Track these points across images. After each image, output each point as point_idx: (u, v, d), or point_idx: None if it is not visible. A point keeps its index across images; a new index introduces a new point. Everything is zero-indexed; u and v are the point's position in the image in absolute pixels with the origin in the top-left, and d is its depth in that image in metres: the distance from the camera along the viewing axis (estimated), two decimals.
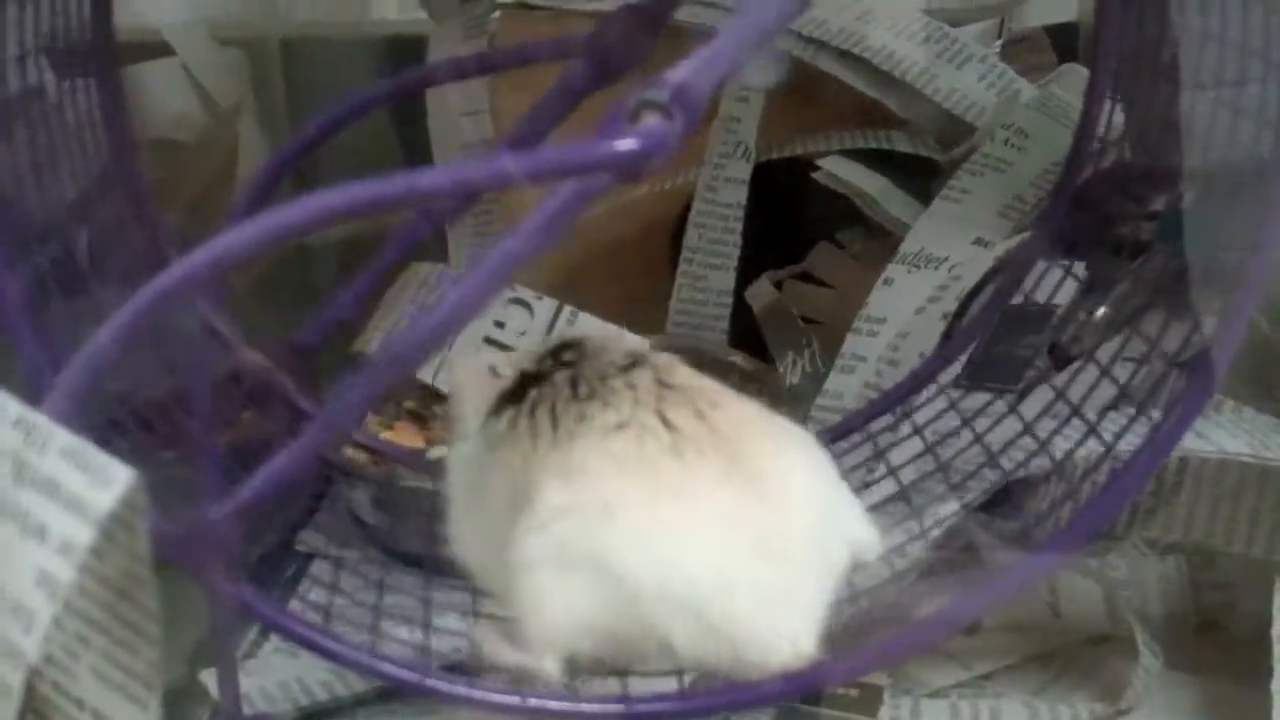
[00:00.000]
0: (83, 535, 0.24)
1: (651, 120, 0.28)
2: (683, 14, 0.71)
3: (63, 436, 0.24)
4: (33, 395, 0.27)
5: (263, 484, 0.33)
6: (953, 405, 0.56)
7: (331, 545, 0.59)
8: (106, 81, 0.51)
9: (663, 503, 0.37)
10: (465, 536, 0.43)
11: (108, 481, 0.24)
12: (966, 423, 0.54)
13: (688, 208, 0.70)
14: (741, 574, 0.37)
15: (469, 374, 0.45)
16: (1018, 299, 0.57)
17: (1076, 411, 0.51)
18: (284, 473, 0.34)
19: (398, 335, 0.31)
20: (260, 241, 0.27)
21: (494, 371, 0.43)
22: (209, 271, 0.27)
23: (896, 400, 0.58)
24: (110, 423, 0.46)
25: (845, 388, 0.60)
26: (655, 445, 0.38)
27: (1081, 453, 0.48)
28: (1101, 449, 0.47)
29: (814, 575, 0.38)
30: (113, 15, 0.50)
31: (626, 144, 0.27)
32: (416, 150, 0.76)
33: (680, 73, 0.29)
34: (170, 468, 0.51)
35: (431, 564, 0.54)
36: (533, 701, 0.42)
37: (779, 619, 0.38)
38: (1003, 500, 0.51)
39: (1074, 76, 0.70)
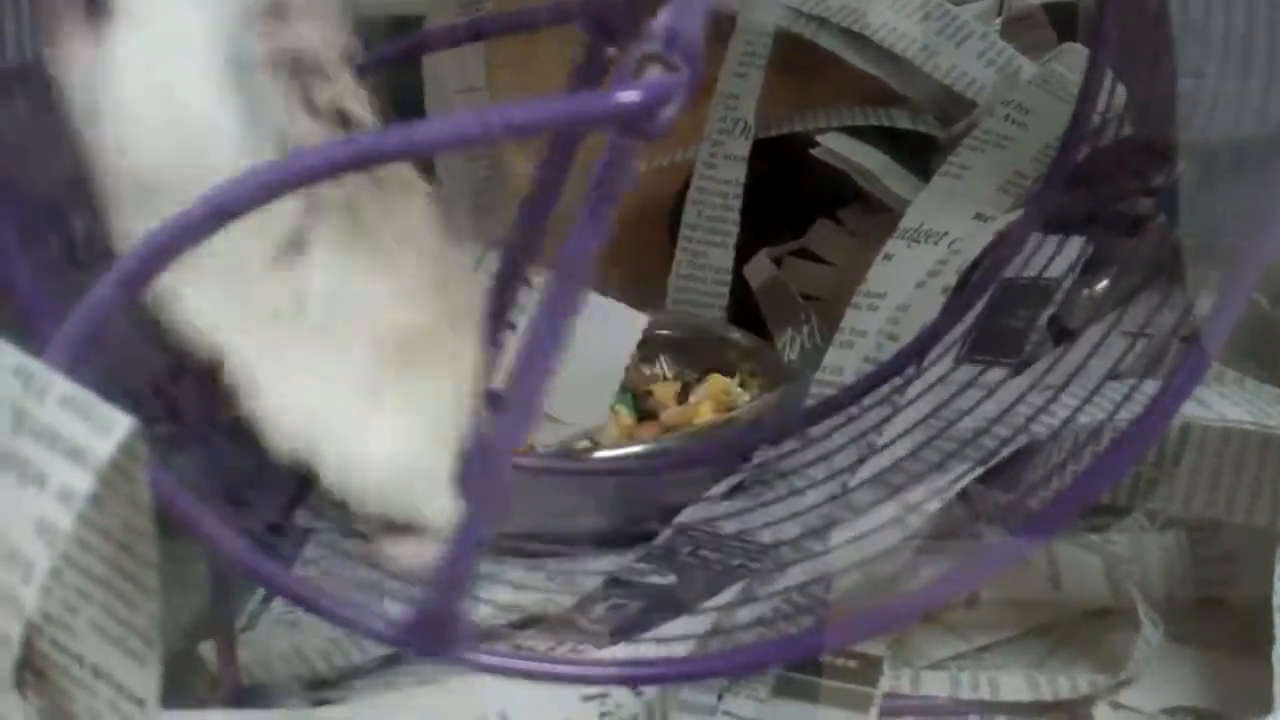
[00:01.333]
0: (82, 483, 0.24)
1: (654, 72, 0.28)
2: None
3: (62, 384, 0.24)
4: None
5: None
6: (947, 377, 0.56)
7: (329, 520, 0.59)
8: None
9: None
10: None
11: (108, 429, 0.24)
12: (962, 394, 0.54)
13: (686, 185, 0.70)
14: None
15: None
16: (1017, 273, 0.57)
17: (1064, 387, 0.51)
18: None
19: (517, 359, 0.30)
20: (259, 191, 0.27)
21: None
22: (208, 222, 0.27)
23: (893, 373, 0.58)
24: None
25: (845, 362, 0.60)
26: None
27: (1080, 422, 0.48)
28: (1098, 419, 0.47)
29: None
30: None
31: (630, 95, 0.27)
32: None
33: (666, 18, 0.29)
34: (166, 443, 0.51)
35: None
36: (535, 665, 0.42)
37: None
38: (998, 472, 0.51)
39: (1074, 54, 0.70)
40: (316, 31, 0.36)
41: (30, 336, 0.37)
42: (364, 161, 0.26)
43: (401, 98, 0.76)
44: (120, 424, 0.24)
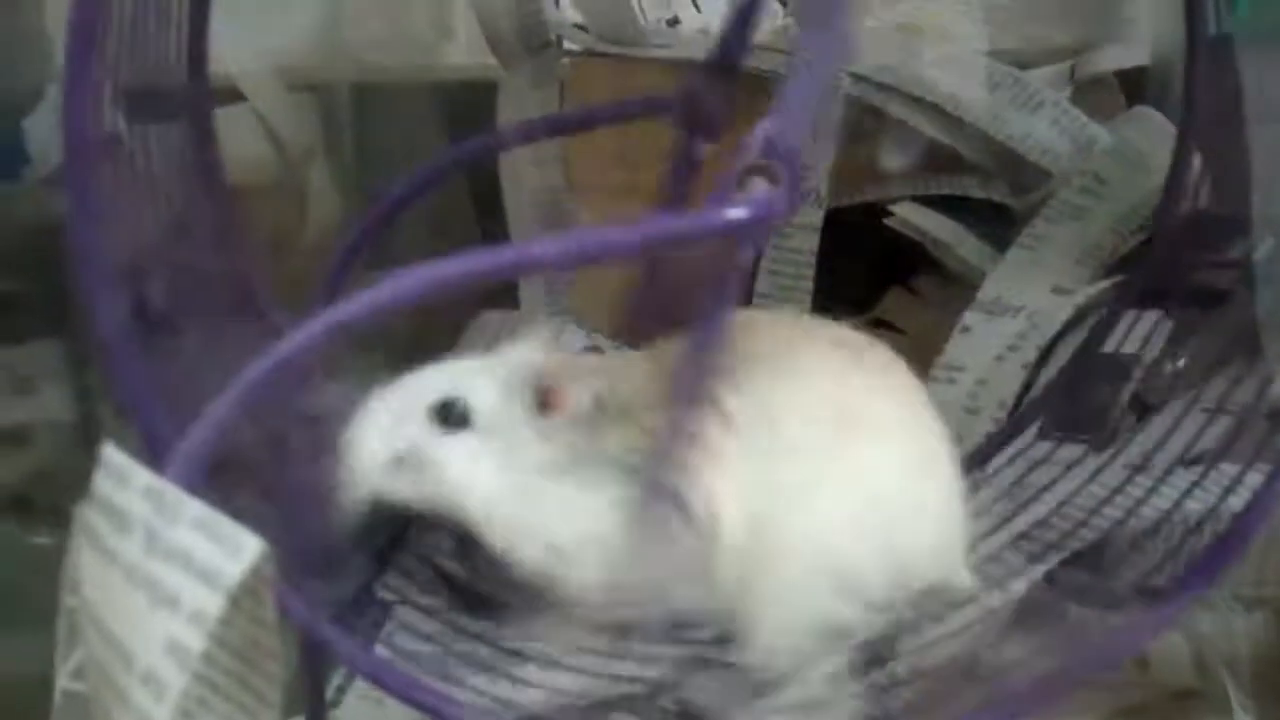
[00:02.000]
0: (214, 605, 0.24)
1: (759, 185, 0.29)
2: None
3: (193, 507, 0.25)
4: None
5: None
6: (1027, 453, 0.56)
7: (412, 592, 0.60)
8: (198, 126, 0.52)
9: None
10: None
11: (238, 550, 0.24)
12: (1043, 470, 0.54)
13: (760, 253, 0.71)
14: None
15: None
16: (1097, 348, 0.57)
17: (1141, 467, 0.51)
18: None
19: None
20: (378, 310, 0.27)
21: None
22: (326, 340, 0.27)
23: (975, 447, 0.58)
24: None
25: None
26: None
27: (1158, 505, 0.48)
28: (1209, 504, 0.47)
29: None
30: (208, 61, 0.51)
31: (738, 213, 0.28)
32: (485, 191, 0.76)
33: (768, 128, 0.30)
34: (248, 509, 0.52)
35: (513, 611, 0.55)
36: None
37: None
38: (1083, 551, 0.51)
39: (1146, 119, 0.71)
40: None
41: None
42: (484, 276, 0.27)
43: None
44: (250, 546, 0.24)
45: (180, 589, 0.25)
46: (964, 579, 0.44)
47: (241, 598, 0.25)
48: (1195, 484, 0.48)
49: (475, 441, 0.44)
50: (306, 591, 0.46)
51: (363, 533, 0.53)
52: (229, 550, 0.24)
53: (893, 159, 0.74)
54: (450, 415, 0.44)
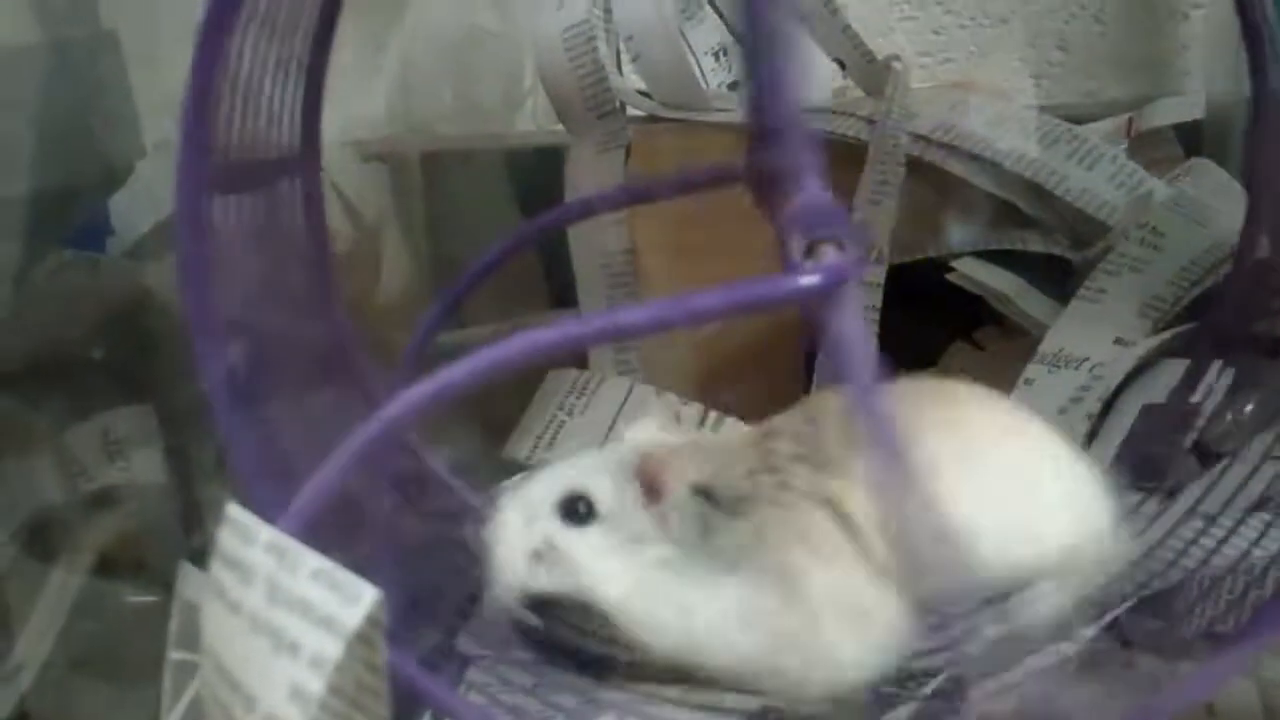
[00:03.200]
0: (333, 650, 0.26)
1: (829, 253, 0.30)
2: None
3: (312, 559, 0.27)
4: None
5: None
6: None
7: (490, 647, 0.61)
8: (308, 193, 0.54)
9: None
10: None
11: (355, 598, 0.26)
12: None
13: None
14: None
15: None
16: (1160, 398, 0.58)
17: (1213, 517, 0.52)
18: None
19: None
20: (477, 376, 0.29)
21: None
22: (429, 405, 0.29)
23: None
24: None
25: None
26: None
27: (1227, 554, 0.49)
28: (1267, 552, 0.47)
29: None
30: (320, 133, 0.53)
31: (810, 280, 0.29)
32: (553, 250, 0.78)
33: (815, 196, 0.31)
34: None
35: (592, 665, 0.56)
36: None
37: None
38: (1150, 599, 0.52)
39: (1203, 172, 0.72)
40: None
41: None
42: (573, 344, 0.29)
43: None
44: (366, 594, 0.26)
45: (301, 636, 0.26)
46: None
47: (355, 644, 0.27)
48: (1264, 532, 0.49)
49: (601, 534, 0.46)
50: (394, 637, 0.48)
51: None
52: (346, 598, 0.26)
53: (960, 223, 0.75)
54: (576, 510, 0.46)
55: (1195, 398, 0.57)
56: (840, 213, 0.32)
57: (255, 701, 0.27)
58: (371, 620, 0.26)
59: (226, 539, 0.28)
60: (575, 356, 0.75)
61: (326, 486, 0.29)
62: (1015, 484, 0.46)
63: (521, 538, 0.46)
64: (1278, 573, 0.46)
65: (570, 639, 0.58)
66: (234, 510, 0.28)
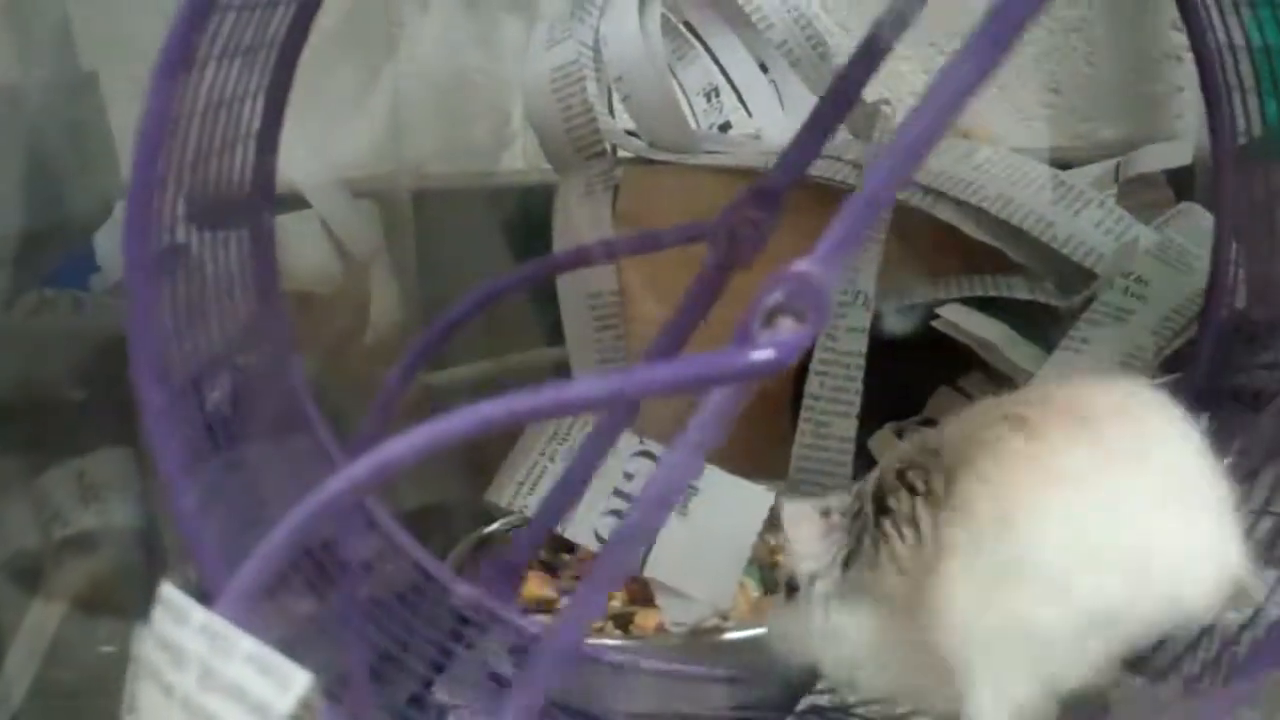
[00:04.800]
0: None
1: (786, 325, 0.30)
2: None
3: (246, 643, 0.26)
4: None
5: None
6: None
7: (466, 697, 0.61)
8: (259, 235, 0.53)
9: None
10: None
11: (287, 684, 0.26)
12: None
13: (809, 355, 0.72)
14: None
15: (803, 521, 0.48)
16: None
17: None
18: None
19: (623, 530, 0.33)
20: (423, 450, 0.29)
21: (825, 514, 0.48)
22: (372, 481, 0.29)
23: None
24: None
25: None
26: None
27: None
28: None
29: None
30: (274, 175, 0.53)
31: (764, 355, 0.29)
32: (541, 290, 0.78)
33: (804, 266, 0.31)
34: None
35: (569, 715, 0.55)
36: None
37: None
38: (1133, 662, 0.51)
39: (1191, 216, 0.71)
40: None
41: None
42: (524, 417, 0.28)
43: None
44: (299, 680, 0.26)
45: None
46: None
47: None
48: None
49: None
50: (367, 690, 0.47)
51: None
52: (279, 683, 0.26)
53: (945, 269, 0.75)
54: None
55: None
56: (814, 286, 0.31)
57: None
58: (306, 705, 0.26)
59: (161, 620, 0.28)
60: None
61: (264, 565, 0.29)
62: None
63: None
64: (1253, 634, 0.45)
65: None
66: (167, 590, 0.28)
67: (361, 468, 0.29)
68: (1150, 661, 0.50)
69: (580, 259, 0.62)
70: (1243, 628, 0.47)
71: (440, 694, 0.61)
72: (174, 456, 0.38)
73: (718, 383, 0.29)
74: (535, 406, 0.29)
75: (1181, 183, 0.79)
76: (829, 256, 0.31)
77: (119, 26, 0.70)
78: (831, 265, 0.31)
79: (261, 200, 0.55)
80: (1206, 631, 0.48)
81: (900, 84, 0.91)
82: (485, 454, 0.70)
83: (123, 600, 0.64)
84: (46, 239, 0.71)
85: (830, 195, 0.72)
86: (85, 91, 0.72)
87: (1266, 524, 0.52)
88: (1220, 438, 0.56)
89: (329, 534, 0.47)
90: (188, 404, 0.49)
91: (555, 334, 0.78)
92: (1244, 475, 0.54)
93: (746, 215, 0.46)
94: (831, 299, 0.30)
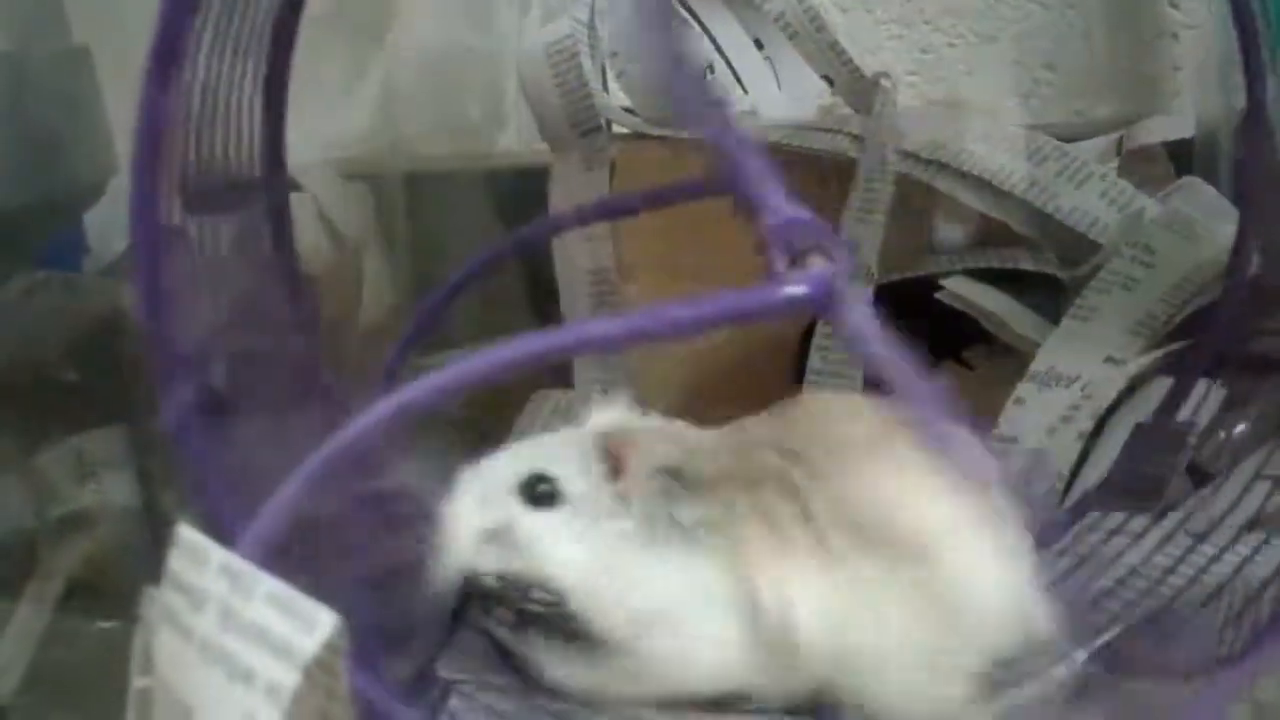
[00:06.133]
0: (289, 679, 0.25)
1: (817, 262, 0.29)
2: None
3: (268, 583, 0.25)
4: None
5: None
6: (1088, 526, 0.56)
7: (472, 671, 0.60)
8: (276, 216, 0.53)
9: None
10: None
11: (312, 625, 0.25)
12: (1106, 542, 0.53)
13: (811, 327, 0.71)
14: None
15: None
16: (1153, 417, 0.57)
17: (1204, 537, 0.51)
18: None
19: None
20: (443, 392, 0.28)
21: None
22: (392, 422, 0.28)
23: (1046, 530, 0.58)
24: None
25: None
26: None
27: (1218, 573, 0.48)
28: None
29: None
30: (285, 153, 0.52)
31: (797, 289, 0.28)
32: (539, 271, 0.77)
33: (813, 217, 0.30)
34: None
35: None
36: None
37: None
38: (1145, 627, 0.51)
39: (1194, 190, 0.71)
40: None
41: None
42: (544, 358, 0.28)
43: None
44: (324, 621, 0.25)
45: (256, 664, 0.25)
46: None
47: (315, 672, 0.25)
48: (1257, 550, 0.48)
49: (562, 516, 0.45)
50: (372, 669, 0.47)
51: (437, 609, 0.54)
52: (303, 625, 0.25)
53: (946, 235, 0.74)
54: (537, 491, 0.45)
55: (1188, 416, 0.56)
56: (820, 225, 0.30)
57: None
58: (331, 647, 0.25)
59: (177, 561, 0.27)
60: (559, 376, 0.74)
61: (284, 509, 0.28)
62: None
63: (475, 517, 0.45)
64: (1274, 594, 0.45)
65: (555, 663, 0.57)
66: (185, 531, 0.27)
67: (382, 409, 0.28)
68: (1163, 627, 0.50)
69: (591, 215, 0.62)
70: (1262, 589, 0.47)
71: (444, 669, 0.60)
72: (179, 406, 0.37)
73: (753, 318, 0.28)
74: (557, 345, 0.28)
75: (1180, 158, 0.79)
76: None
77: (111, 1, 0.69)
78: None
79: (276, 181, 0.54)
80: (1224, 591, 0.48)
81: (895, 61, 0.91)
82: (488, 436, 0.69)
83: (118, 576, 0.63)
84: (38, 217, 0.70)
85: (831, 169, 0.72)
86: (78, 67, 0.71)
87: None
88: (1234, 403, 0.56)
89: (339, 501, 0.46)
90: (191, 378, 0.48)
91: (549, 321, 0.77)
92: (1258, 440, 0.54)
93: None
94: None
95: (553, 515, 0.45)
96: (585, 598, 0.45)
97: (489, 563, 0.46)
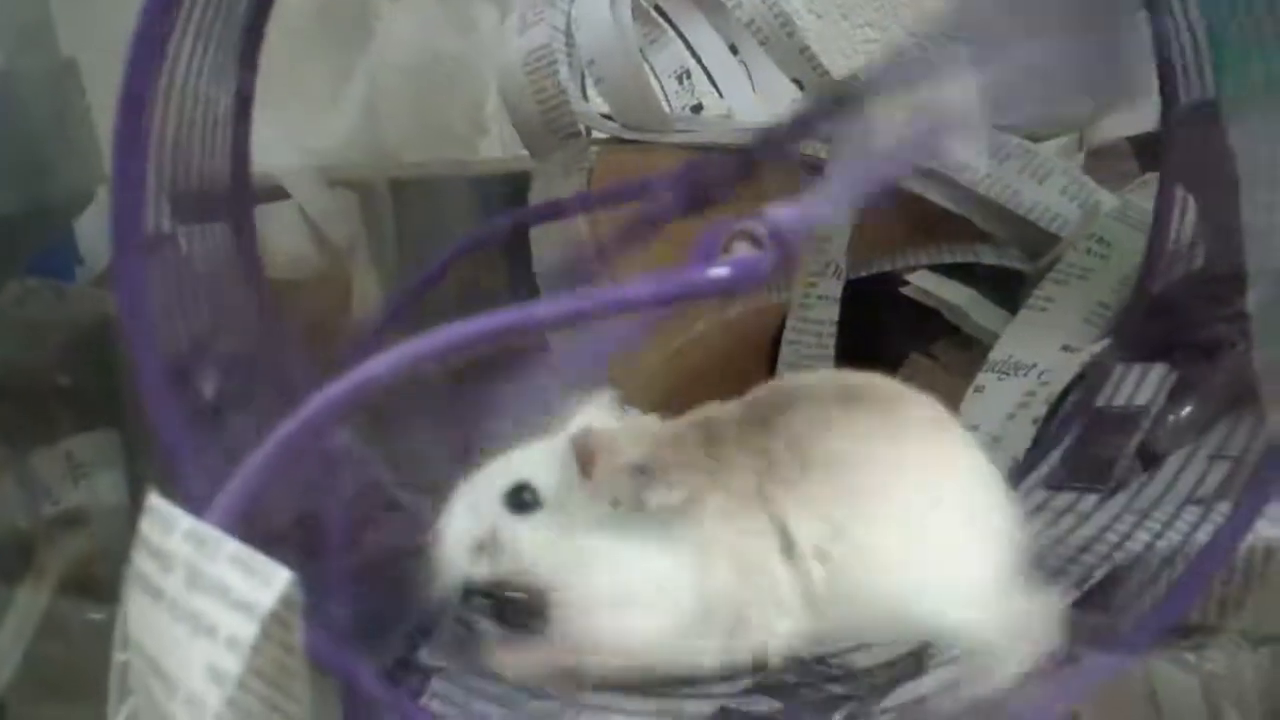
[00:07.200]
0: (248, 631, 0.27)
1: (743, 249, 0.31)
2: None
3: (230, 544, 0.28)
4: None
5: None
6: (1042, 505, 0.58)
7: (453, 659, 0.61)
8: (242, 225, 0.54)
9: None
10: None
11: (269, 581, 0.27)
12: (1057, 521, 0.55)
13: (783, 324, 0.73)
14: None
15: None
16: (1105, 402, 0.59)
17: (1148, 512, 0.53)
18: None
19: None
20: (399, 366, 0.30)
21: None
22: (352, 398, 0.30)
23: None
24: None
25: None
26: None
27: (1162, 546, 0.50)
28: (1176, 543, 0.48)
29: None
30: (250, 163, 0.54)
31: (719, 272, 0.30)
32: (523, 275, 0.79)
33: (783, 214, 0.32)
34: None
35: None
36: None
37: None
38: (1092, 595, 0.53)
39: (1155, 185, 0.72)
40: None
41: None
42: (494, 337, 0.30)
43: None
44: (280, 576, 0.27)
45: (218, 619, 0.27)
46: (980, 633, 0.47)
47: (272, 625, 0.27)
48: (1197, 525, 0.50)
49: (544, 518, 0.48)
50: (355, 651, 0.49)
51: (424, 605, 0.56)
52: (261, 581, 0.27)
53: (915, 238, 0.76)
54: (520, 499, 0.48)
55: (1138, 401, 0.57)
56: (779, 221, 0.32)
57: (177, 685, 0.28)
58: (285, 601, 0.27)
59: (148, 528, 0.29)
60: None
61: (250, 481, 0.30)
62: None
63: (467, 529, 0.48)
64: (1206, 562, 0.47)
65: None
66: (155, 500, 0.29)
67: (344, 384, 0.30)
68: (1110, 599, 0.52)
69: (552, 211, 0.63)
70: (1171, 557, 0.49)
71: (426, 657, 0.62)
72: (155, 380, 0.39)
73: (675, 299, 0.30)
74: (506, 324, 0.30)
75: (1148, 155, 0.80)
76: (806, 211, 0.32)
77: (99, 13, 0.71)
78: (804, 220, 0.32)
79: (239, 191, 0.56)
80: (1166, 563, 0.50)
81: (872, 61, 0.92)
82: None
83: (111, 573, 0.65)
84: (27, 226, 0.72)
85: (800, 170, 0.73)
86: (65, 78, 0.73)
87: (1222, 468, 0.53)
88: (1182, 387, 0.58)
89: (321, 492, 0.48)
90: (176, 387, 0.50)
91: None
92: (1203, 422, 0.56)
93: (713, 170, 0.47)
94: (798, 237, 0.31)
95: (535, 519, 0.48)
96: (559, 589, 0.48)
97: (482, 572, 0.49)
